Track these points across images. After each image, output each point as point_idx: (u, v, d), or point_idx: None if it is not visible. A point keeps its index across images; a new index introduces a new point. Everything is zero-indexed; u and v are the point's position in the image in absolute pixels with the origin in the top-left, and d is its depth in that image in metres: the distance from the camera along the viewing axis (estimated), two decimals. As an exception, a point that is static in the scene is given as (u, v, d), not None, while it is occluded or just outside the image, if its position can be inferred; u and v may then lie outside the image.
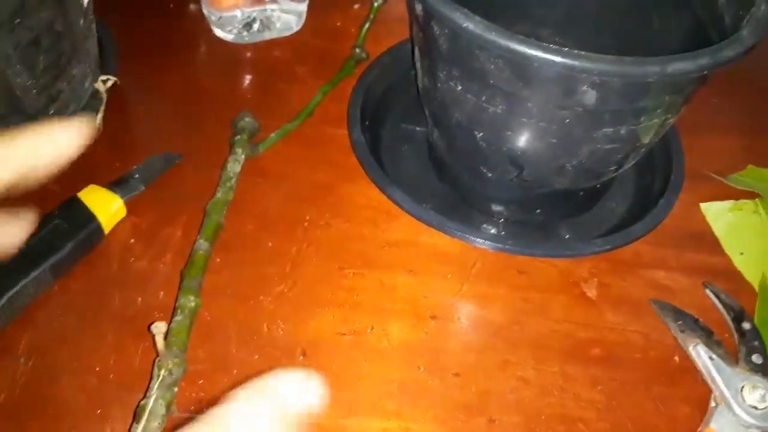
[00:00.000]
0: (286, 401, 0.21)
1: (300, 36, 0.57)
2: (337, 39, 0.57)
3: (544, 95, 0.34)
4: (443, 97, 0.39)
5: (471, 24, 0.32)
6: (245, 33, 0.55)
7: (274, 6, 0.55)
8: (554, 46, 0.31)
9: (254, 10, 0.54)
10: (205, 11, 0.55)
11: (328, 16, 0.59)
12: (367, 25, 0.56)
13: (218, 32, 0.55)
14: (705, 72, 0.32)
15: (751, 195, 0.48)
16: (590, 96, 0.33)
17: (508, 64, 0.33)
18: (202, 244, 0.40)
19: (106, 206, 0.42)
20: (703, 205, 0.47)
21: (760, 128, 0.54)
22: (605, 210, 0.46)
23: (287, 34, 0.57)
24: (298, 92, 0.52)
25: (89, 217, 0.41)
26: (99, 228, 0.41)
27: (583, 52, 0.31)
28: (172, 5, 0.58)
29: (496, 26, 0.31)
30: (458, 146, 0.42)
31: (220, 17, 0.54)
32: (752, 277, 0.44)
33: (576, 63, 0.30)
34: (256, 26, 0.55)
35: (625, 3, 0.45)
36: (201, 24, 0.56)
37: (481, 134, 0.38)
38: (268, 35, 0.56)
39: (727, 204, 0.47)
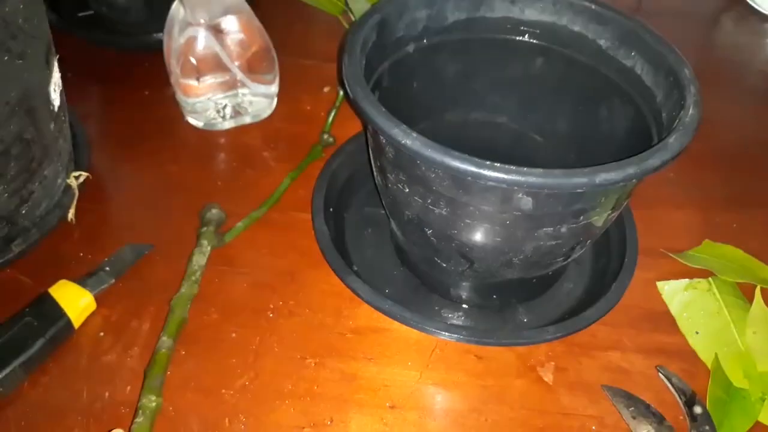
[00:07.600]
0: None
1: (270, 121, 0.59)
2: (306, 123, 0.59)
3: (482, 201, 0.35)
4: (394, 196, 0.40)
5: (409, 141, 0.33)
6: (219, 119, 0.57)
7: (245, 90, 0.57)
8: (487, 162, 0.32)
9: (225, 96, 0.56)
10: (178, 98, 0.57)
11: (298, 100, 0.61)
12: (333, 112, 0.58)
13: (191, 119, 0.58)
14: (633, 180, 0.34)
15: (705, 273, 0.49)
16: (526, 202, 0.34)
17: (447, 175, 0.34)
18: (165, 342, 0.41)
19: (75, 301, 0.43)
20: (659, 284, 0.49)
21: (716, 203, 0.56)
22: (562, 292, 0.48)
23: (261, 119, 0.59)
24: (266, 178, 0.54)
25: (59, 314, 0.43)
26: (69, 323, 0.43)
27: (514, 167, 0.32)
28: (147, 92, 0.61)
29: (432, 143, 0.33)
30: (412, 239, 0.43)
31: (192, 105, 0.56)
32: (706, 357, 0.45)
33: (507, 177, 0.32)
34: (228, 112, 0.57)
35: (575, 94, 0.47)
36: (176, 111, 0.58)
37: (430, 231, 0.40)
38: (241, 121, 0.58)
39: (683, 283, 0.48)
